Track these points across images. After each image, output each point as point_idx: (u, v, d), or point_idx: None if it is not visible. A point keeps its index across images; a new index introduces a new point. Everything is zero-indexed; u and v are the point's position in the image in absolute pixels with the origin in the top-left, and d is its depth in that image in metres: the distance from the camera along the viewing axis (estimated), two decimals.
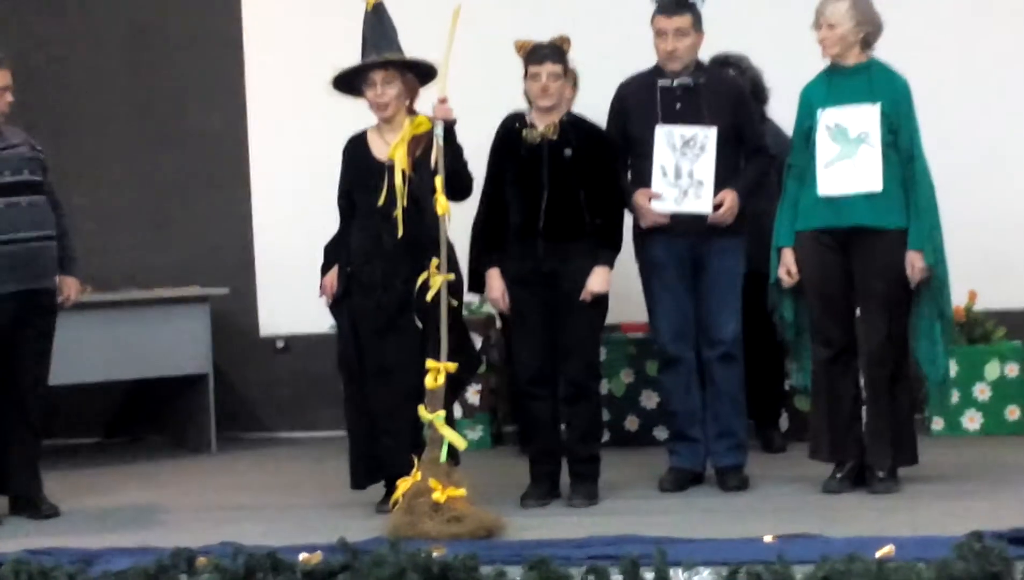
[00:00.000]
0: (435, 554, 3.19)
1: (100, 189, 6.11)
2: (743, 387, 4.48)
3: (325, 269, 4.40)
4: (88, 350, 5.32)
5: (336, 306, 4.32)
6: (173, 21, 6.18)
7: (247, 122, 6.11)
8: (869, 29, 4.21)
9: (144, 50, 6.20)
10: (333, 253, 4.37)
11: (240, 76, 6.10)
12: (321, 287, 4.39)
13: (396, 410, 4.15)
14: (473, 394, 5.52)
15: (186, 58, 6.15)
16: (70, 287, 4.49)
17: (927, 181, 4.17)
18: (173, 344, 5.56)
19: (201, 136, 6.13)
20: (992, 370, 5.24)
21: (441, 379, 3.98)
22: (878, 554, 3.12)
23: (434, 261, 4.10)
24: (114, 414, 6.18)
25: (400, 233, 4.15)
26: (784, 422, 5.36)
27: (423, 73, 4.26)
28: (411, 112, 4.29)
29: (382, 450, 4.19)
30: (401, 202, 4.16)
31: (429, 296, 4.08)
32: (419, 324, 4.14)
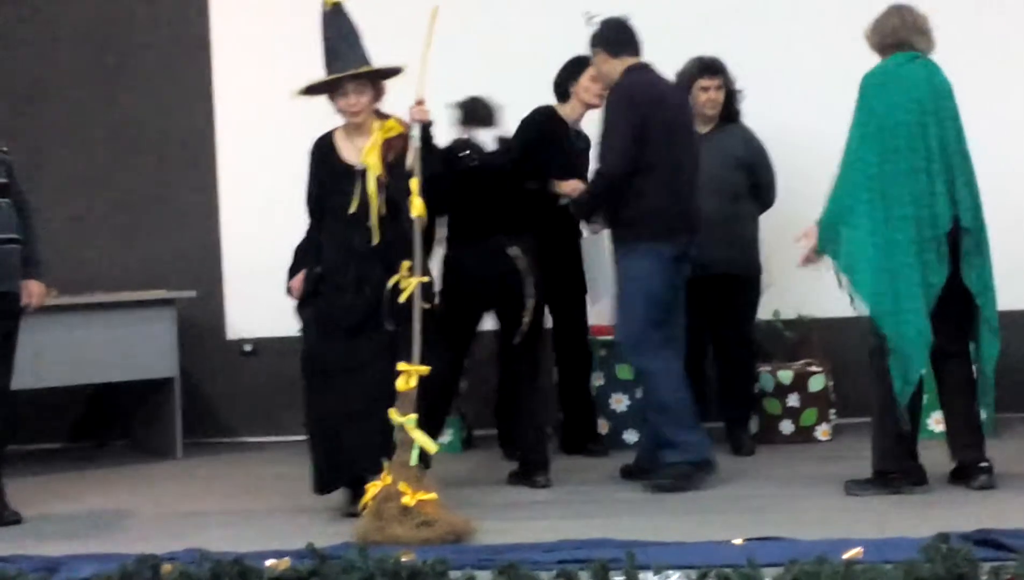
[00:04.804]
0: (404, 559, 3.18)
1: (66, 192, 6.05)
2: (650, 390, 4.52)
3: (294, 271, 4.37)
4: (53, 354, 5.25)
5: (302, 307, 4.29)
6: (141, 25, 6.13)
7: (215, 125, 6.07)
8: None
9: (112, 53, 6.14)
10: (303, 255, 4.34)
11: (208, 80, 6.06)
12: (289, 288, 4.36)
13: (364, 412, 4.13)
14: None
15: (154, 61, 6.11)
16: (34, 291, 4.43)
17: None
18: (139, 348, 5.51)
19: (169, 139, 6.09)
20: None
21: (413, 382, 3.97)
22: (846, 556, 3.13)
23: (405, 263, 4.08)
24: (79, 419, 6.12)
25: (376, 239, 4.14)
26: (754, 425, 5.39)
27: (386, 72, 4.25)
28: (378, 114, 4.27)
29: (349, 452, 4.16)
30: (375, 208, 4.14)
31: (402, 298, 4.06)
32: (389, 327, 4.12)
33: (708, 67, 5.12)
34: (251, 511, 4.40)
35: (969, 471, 4.22)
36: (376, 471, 3.96)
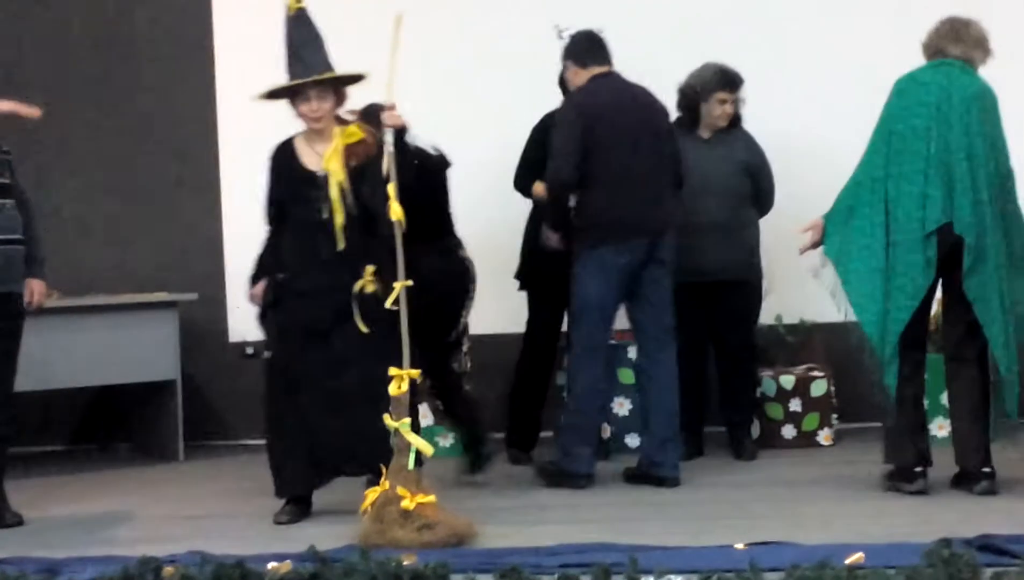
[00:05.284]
0: (406, 562, 3.18)
1: (69, 194, 6.06)
2: (572, 393, 4.69)
3: (256, 279, 4.38)
4: (55, 356, 5.25)
5: (264, 316, 4.29)
6: (144, 28, 6.14)
7: (217, 127, 6.07)
8: None
9: (114, 56, 6.15)
10: (264, 263, 4.36)
11: (210, 83, 6.06)
12: (251, 297, 4.37)
13: (331, 418, 4.14)
14: None
15: (156, 64, 6.11)
16: (36, 290, 4.43)
17: None
18: (141, 350, 5.51)
19: (171, 142, 6.09)
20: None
21: (405, 386, 3.98)
22: (848, 561, 3.13)
23: (369, 268, 4.09)
24: (80, 421, 6.11)
25: (340, 245, 4.14)
26: (755, 429, 5.39)
27: (349, 79, 4.26)
28: (339, 120, 4.28)
29: (322, 456, 4.16)
30: (339, 213, 4.14)
31: (388, 303, 4.08)
32: (363, 329, 4.12)
33: (731, 81, 5.14)
34: (253, 514, 4.39)
35: (971, 476, 4.22)
36: (349, 473, 4.08)
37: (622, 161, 4.55)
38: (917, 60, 5.56)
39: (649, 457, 4.67)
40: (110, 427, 6.05)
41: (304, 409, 4.17)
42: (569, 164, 4.54)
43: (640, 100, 4.69)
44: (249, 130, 6.06)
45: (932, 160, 4.17)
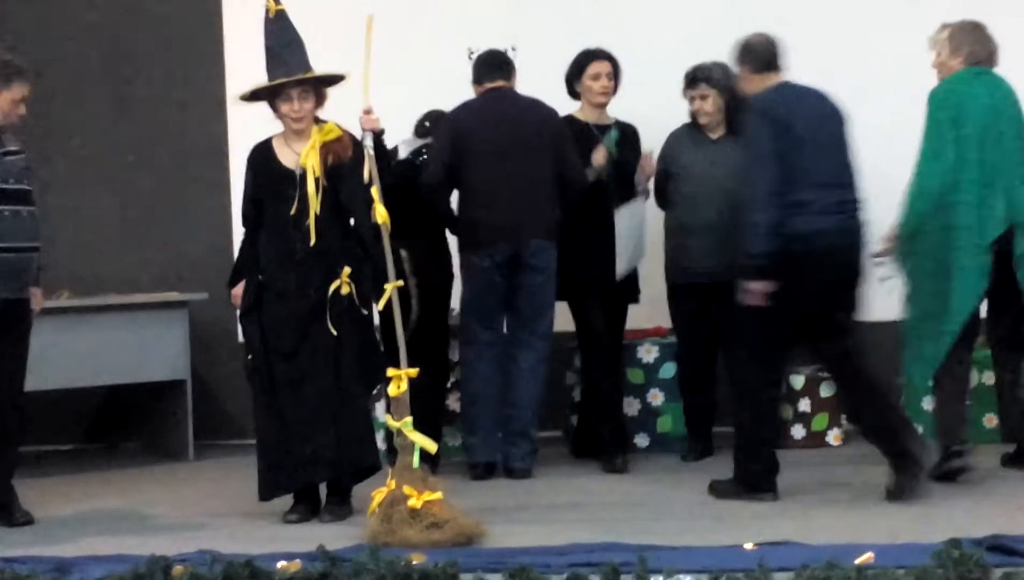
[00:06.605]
0: (415, 561, 3.19)
1: (80, 195, 6.08)
2: (461, 384, 4.93)
3: (234, 280, 4.39)
4: (66, 356, 5.27)
5: (246, 316, 4.30)
6: (154, 28, 6.16)
7: (227, 128, 6.08)
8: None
9: (124, 56, 6.17)
10: (242, 264, 4.38)
11: (220, 83, 6.07)
12: (232, 297, 4.38)
13: (311, 419, 4.15)
14: (454, 401, 5.49)
15: (166, 64, 6.13)
16: (37, 296, 4.46)
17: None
18: (151, 350, 5.53)
19: (182, 143, 6.11)
20: (971, 378, 5.26)
21: (404, 386, 3.99)
22: (857, 561, 3.13)
23: (345, 270, 4.12)
24: (91, 420, 6.14)
25: (313, 241, 4.15)
26: None
27: (331, 79, 4.28)
28: (317, 120, 4.30)
29: (296, 459, 4.18)
30: (314, 210, 4.15)
31: (380, 304, 4.10)
32: (333, 331, 4.13)
33: (692, 78, 5.15)
34: (262, 513, 4.40)
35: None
36: (321, 479, 4.14)
37: (488, 170, 4.81)
38: (925, 60, 5.58)
39: (503, 450, 4.87)
40: (120, 426, 6.07)
41: (281, 412, 4.19)
42: (435, 170, 4.82)
43: (521, 114, 4.90)
44: (259, 130, 6.05)
45: (987, 169, 4.32)
